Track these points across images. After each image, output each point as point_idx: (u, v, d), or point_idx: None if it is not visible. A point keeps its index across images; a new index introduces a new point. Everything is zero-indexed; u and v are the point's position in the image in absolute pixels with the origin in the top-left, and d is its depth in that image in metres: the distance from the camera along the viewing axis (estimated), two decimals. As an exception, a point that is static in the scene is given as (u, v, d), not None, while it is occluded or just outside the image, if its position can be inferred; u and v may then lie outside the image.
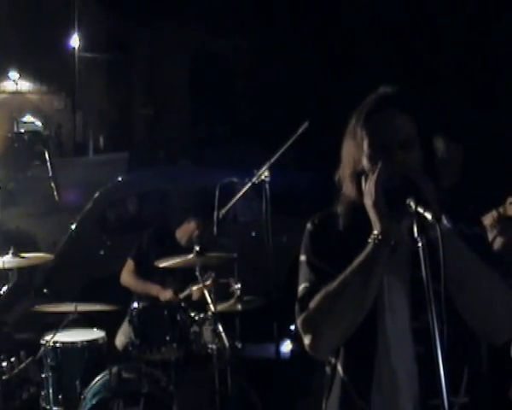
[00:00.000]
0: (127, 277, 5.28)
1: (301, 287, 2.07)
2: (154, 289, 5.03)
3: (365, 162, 1.97)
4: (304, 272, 2.08)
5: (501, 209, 3.84)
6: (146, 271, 5.17)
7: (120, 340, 4.88)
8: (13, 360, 3.93)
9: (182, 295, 4.85)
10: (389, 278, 1.98)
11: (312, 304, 1.99)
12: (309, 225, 2.12)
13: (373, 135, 1.96)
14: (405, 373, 1.96)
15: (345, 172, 2.03)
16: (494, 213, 3.83)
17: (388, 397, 1.97)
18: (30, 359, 4.02)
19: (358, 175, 1.99)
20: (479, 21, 15.11)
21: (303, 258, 2.09)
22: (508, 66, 14.01)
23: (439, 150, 3.57)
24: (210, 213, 4.64)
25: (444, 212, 1.88)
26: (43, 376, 4.29)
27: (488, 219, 3.89)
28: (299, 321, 2.04)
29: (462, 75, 14.73)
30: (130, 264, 5.30)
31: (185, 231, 5.22)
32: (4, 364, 3.90)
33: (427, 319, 1.75)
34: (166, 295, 4.94)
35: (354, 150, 2.00)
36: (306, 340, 2.02)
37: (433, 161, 2.01)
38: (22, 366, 3.94)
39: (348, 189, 2.02)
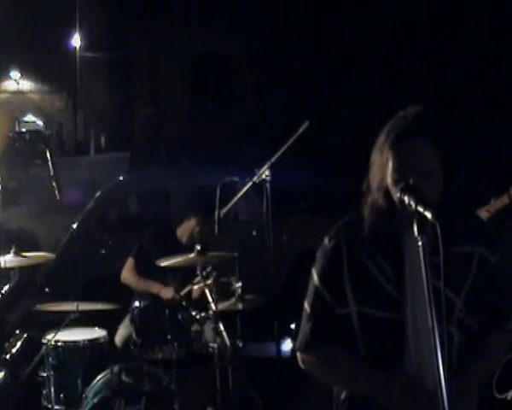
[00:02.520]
0: (127, 275, 5.29)
1: (307, 308, 2.21)
2: (156, 288, 5.04)
3: (389, 181, 2.08)
4: (312, 294, 2.21)
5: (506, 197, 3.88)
6: (147, 269, 5.18)
7: (119, 337, 4.89)
8: (11, 340, 3.96)
9: (182, 292, 4.85)
10: (413, 291, 2.07)
11: (316, 362, 2.19)
12: (326, 242, 2.22)
13: (398, 162, 2.05)
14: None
15: (373, 183, 2.14)
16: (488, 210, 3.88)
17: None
18: (25, 336, 4.04)
19: (384, 190, 2.10)
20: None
21: (315, 278, 2.21)
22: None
23: None
24: (210, 212, 4.67)
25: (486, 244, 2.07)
26: (45, 375, 4.30)
27: (483, 214, 3.92)
28: (299, 356, 2.22)
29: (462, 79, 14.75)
30: (130, 262, 5.30)
31: (186, 228, 5.24)
32: (7, 344, 3.94)
33: (443, 327, 1.83)
34: (168, 292, 4.95)
35: (381, 166, 2.11)
36: (302, 365, 2.21)
37: (452, 189, 2.09)
38: (19, 343, 3.97)
39: (376, 198, 2.13)
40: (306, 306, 2.22)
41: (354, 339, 2.15)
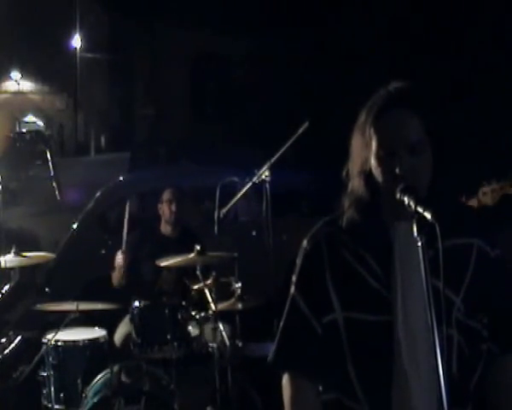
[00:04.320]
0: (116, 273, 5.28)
1: (282, 325, 2.04)
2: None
3: (373, 162, 1.90)
4: (288, 304, 2.04)
5: (475, 200, 3.87)
6: (138, 271, 5.20)
7: (118, 336, 4.90)
8: (3, 341, 3.96)
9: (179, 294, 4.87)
10: (405, 289, 1.90)
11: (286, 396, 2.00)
12: (305, 244, 2.04)
13: (382, 137, 1.88)
14: (422, 385, 1.87)
15: (353, 169, 1.96)
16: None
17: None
18: (19, 338, 4.04)
19: (367, 174, 1.92)
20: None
21: (292, 288, 2.04)
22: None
23: None
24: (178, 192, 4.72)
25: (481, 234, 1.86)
26: (45, 374, 4.31)
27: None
28: (283, 380, 2.03)
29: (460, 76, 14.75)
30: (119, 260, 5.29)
31: (162, 220, 5.29)
32: None
33: (442, 329, 1.68)
34: (118, 258, 5.02)
35: (363, 148, 1.92)
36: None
37: (444, 165, 1.91)
38: (12, 346, 3.97)
39: (356, 185, 1.95)
40: (281, 324, 2.05)
41: (340, 349, 1.96)
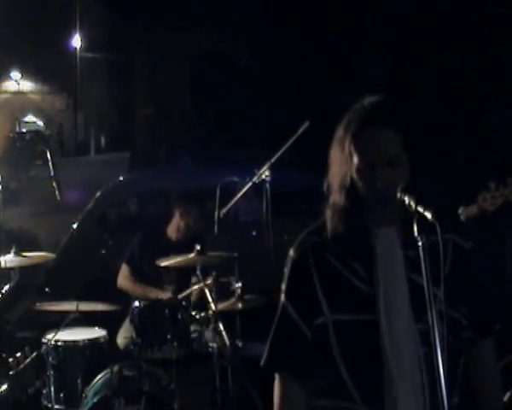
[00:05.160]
0: (124, 281, 5.29)
1: (273, 330, 2.15)
2: (153, 293, 5.02)
3: (355, 175, 2.01)
4: (279, 310, 2.14)
5: (475, 206, 3.88)
6: (141, 273, 5.19)
7: (122, 339, 4.89)
8: (18, 355, 3.96)
9: (181, 296, 4.86)
10: (387, 285, 2.00)
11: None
12: (292, 254, 2.14)
13: (362, 153, 1.98)
14: (412, 381, 1.97)
15: (334, 182, 2.07)
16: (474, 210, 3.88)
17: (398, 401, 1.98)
18: (35, 353, 4.04)
19: (347, 187, 2.02)
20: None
21: (282, 296, 2.14)
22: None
23: None
24: (193, 203, 4.69)
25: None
26: (45, 374, 4.31)
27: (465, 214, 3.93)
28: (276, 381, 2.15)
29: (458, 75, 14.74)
30: (125, 269, 5.30)
31: (173, 225, 5.26)
32: (11, 360, 3.92)
33: (427, 319, 1.79)
34: (165, 297, 4.94)
35: (342, 162, 2.04)
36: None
37: (419, 175, 2.01)
38: (28, 361, 3.96)
39: (337, 198, 2.05)
40: (274, 326, 2.16)
41: (330, 351, 2.05)
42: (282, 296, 2.14)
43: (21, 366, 3.95)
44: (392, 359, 1.97)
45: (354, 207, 2.02)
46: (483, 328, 2.14)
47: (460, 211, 3.88)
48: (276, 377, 2.15)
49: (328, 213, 2.08)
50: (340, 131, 2.05)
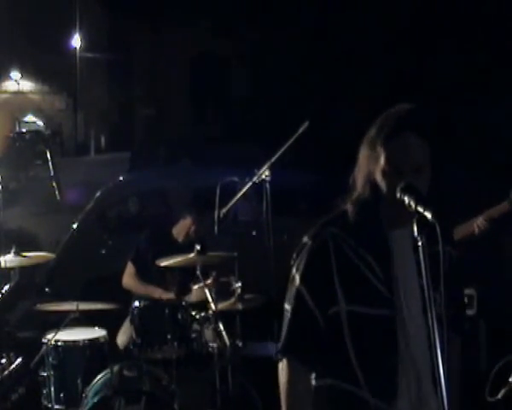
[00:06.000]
0: (129, 280, 5.29)
1: (287, 309, 2.20)
2: (157, 292, 5.03)
3: (379, 176, 2.09)
4: (294, 295, 2.19)
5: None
6: (145, 272, 5.19)
7: (122, 339, 4.89)
8: (3, 361, 3.94)
9: (184, 298, 4.85)
10: (405, 285, 2.11)
11: (286, 370, 2.16)
12: (310, 242, 2.19)
13: (391, 157, 2.07)
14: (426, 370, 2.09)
15: (359, 177, 2.15)
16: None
17: (414, 399, 2.11)
18: (19, 360, 4.02)
19: (372, 184, 2.11)
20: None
21: (297, 279, 2.19)
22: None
23: None
24: (205, 210, 4.68)
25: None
26: (45, 374, 4.31)
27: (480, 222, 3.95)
28: (279, 366, 2.18)
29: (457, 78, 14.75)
30: (130, 267, 5.30)
31: (181, 227, 5.25)
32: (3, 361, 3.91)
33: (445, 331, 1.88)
34: (168, 297, 4.94)
35: (370, 161, 2.11)
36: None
37: (439, 185, 2.12)
38: (12, 367, 3.94)
39: (361, 192, 2.14)
40: (287, 307, 2.21)
41: (341, 339, 2.14)
42: (298, 281, 2.18)
43: (6, 372, 3.93)
44: (407, 355, 2.09)
45: (375, 205, 2.11)
46: (456, 326, 2.24)
47: (510, 195, 3.92)
48: (283, 361, 2.18)
49: (350, 208, 2.16)
50: (372, 132, 2.13)
